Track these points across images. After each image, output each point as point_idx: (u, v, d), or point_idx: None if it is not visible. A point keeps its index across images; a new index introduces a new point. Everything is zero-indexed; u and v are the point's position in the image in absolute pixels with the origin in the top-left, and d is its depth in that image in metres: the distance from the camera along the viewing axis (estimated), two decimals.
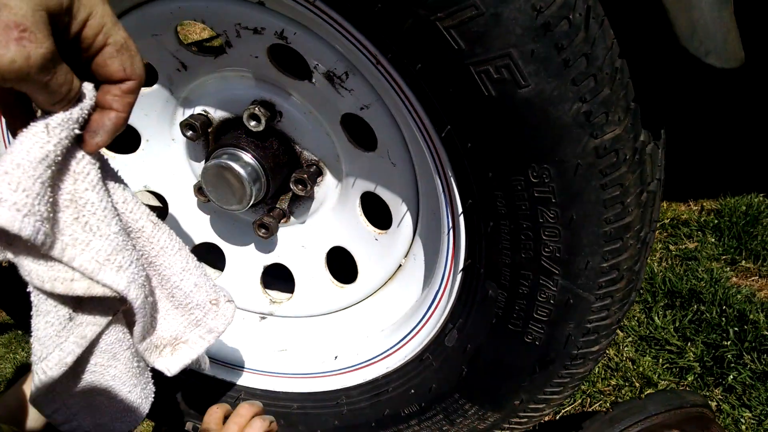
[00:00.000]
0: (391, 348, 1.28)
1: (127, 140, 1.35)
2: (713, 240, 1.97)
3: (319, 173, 1.28)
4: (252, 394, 1.42)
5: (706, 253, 1.92)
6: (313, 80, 1.12)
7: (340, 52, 1.05)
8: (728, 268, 1.85)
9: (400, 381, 1.26)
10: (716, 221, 2.02)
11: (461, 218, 1.02)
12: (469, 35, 0.81)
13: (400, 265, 1.29)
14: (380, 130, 1.12)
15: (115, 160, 1.35)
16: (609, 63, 0.84)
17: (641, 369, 1.63)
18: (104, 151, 1.32)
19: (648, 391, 1.59)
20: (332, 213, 1.33)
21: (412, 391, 1.25)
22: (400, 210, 1.21)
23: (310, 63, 1.09)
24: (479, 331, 1.10)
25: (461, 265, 1.08)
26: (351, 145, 1.19)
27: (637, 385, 1.61)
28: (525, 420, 1.22)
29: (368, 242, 1.29)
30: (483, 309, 1.07)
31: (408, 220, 1.21)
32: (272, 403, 1.41)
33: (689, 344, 1.65)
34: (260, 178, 1.23)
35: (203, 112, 1.27)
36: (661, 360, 1.65)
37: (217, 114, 1.27)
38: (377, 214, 1.30)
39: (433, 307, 1.19)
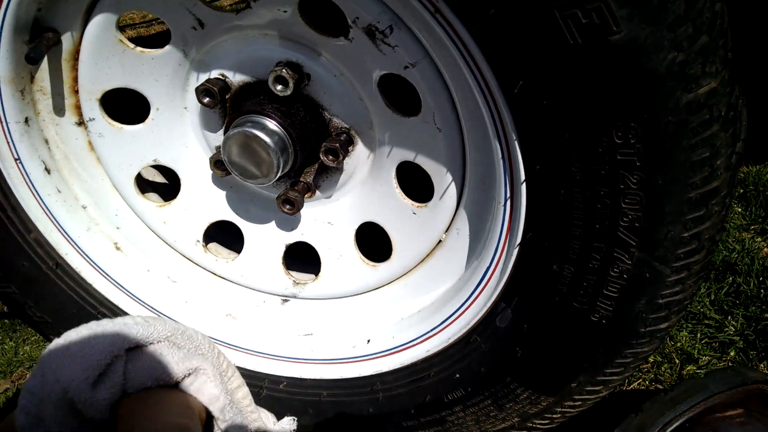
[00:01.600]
0: (431, 330, 1.18)
1: (135, 109, 1.22)
2: (740, 210, 1.90)
3: (350, 142, 1.16)
4: (276, 381, 1.32)
5: (734, 224, 1.85)
6: (350, 36, 1.01)
7: (385, 3, 0.94)
8: (759, 238, 1.79)
9: (444, 365, 1.17)
10: (741, 190, 1.95)
11: (523, 186, 0.92)
12: None
13: (440, 241, 1.19)
14: (426, 92, 1.01)
15: (122, 131, 1.22)
16: (709, 6, 0.74)
17: (680, 344, 1.56)
18: (110, 122, 1.19)
19: (689, 368, 1.53)
20: (363, 186, 1.22)
21: (457, 375, 1.16)
22: (443, 180, 1.10)
23: (349, 16, 0.97)
24: (539, 309, 1.01)
25: (519, 239, 0.98)
26: (389, 109, 1.08)
27: (677, 361, 1.54)
28: (579, 403, 1.14)
29: (404, 217, 1.19)
30: (544, 286, 0.98)
31: (452, 192, 1.11)
32: (299, 391, 1.31)
33: (729, 318, 1.58)
34: (287, 148, 1.12)
35: (221, 77, 1.15)
36: (699, 335, 1.58)
37: (236, 78, 1.15)
38: (413, 185, 1.20)
39: (482, 285, 1.09)
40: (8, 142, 1.16)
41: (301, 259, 1.40)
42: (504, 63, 0.80)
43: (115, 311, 1.31)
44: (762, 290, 1.60)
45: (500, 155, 0.93)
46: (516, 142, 0.88)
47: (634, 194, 0.84)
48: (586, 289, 0.95)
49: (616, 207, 0.86)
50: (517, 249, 0.99)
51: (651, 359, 1.56)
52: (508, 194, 0.97)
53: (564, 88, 0.78)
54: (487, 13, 0.76)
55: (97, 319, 0.85)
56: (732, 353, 1.52)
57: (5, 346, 2.40)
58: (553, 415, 1.16)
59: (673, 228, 0.86)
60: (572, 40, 0.74)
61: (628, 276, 0.92)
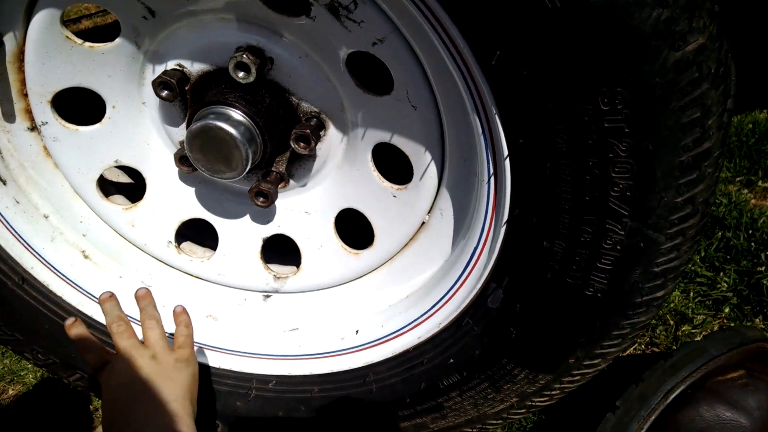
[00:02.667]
0: (421, 316, 1.14)
1: (89, 109, 1.15)
2: (725, 162, 1.88)
3: (322, 126, 1.11)
4: (265, 381, 1.27)
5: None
6: (312, 15, 0.94)
7: None
8: (746, 190, 1.77)
9: (436, 351, 1.13)
10: None
11: (506, 162, 0.87)
12: None
13: (424, 223, 1.14)
14: (397, 69, 0.96)
15: (78, 133, 1.15)
16: None
17: (673, 305, 1.54)
18: (64, 125, 1.12)
19: (684, 328, 1.51)
20: (338, 171, 1.16)
21: (451, 360, 1.12)
22: (422, 160, 1.05)
23: None
24: (531, 288, 0.97)
25: (506, 216, 0.93)
26: (359, 89, 1.02)
27: (672, 323, 1.52)
28: (578, 378, 1.11)
29: (384, 200, 1.14)
30: (535, 263, 0.94)
31: (432, 171, 1.06)
32: (289, 388, 1.27)
33: (720, 274, 1.56)
34: (255, 138, 1.06)
35: (178, 67, 1.08)
36: (692, 293, 1.56)
37: (194, 67, 1.08)
38: (392, 167, 1.15)
39: (470, 267, 1.05)
40: None
41: (280, 252, 1.34)
42: (479, 32, 0.74)
43: (89, 323, 1.25)
44: (752, 243, 1.58)
45: (480, 131, 0.88)
46: (496, 116, 0.82)
47: (623, 162, 0.79)
48: (579, 264, 0.91)
49: (605, 177, 0.81)
50: (504, 227, 0.95)
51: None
52: (491, 171, 0.92)
53: (544, 55, 0.73)
54: None
55: None
56: (726, 310, 1.50)
57: None
58: (552, 392, 1.13)
59: (665, 194, 0.82)
60: (550, 4, 0.68)
61: (622, 247, 0.88)
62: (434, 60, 0.89)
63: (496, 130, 0.85)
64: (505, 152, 0.86)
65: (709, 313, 1.52)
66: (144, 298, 1.13)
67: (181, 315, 1.16)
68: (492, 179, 0.93)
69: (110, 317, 1.08)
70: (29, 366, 1.85)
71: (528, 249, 0.94)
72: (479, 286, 1.03)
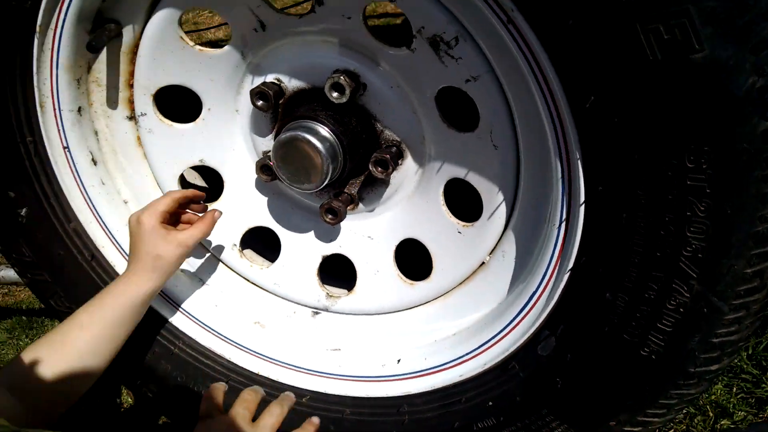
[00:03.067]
0: (466, 354, 1.15)
1: (187, 107, 1.22)
2: None
3: (400, 155, 1.15)
4: (300, 395, 1.28)
5: None
6: (413, 47, 1.00)
7: (453, 13, 0.93)
8: None
9: (477, 391, 1.13)
10: None
11: (582, 208, 0.89)
12: None
13: (484, 263, 1.16)
14: (485, 107, 1.00)
15: (172, 129, 1.22)
16: None
17: (714, 398, 1.50)
18: (161, 119, 1.20)
19: (723, 422, 1.47)
20: (408, 201, 1.20)
21: (491, 403, 1.12)
22: (494, 200, 1.08)
23: (414, 25, 0.97)
24: (585, 339, 0.97)
25: (571, 264, 0.95)
26: (443, 124, 1.07)
27: (711, 414, 1.48)
28: None
29: (449, 235, 1.17)
30: (594, 315, 0.95)
31: (501, 212, 1.09)
32: (322, 406, 1.27)
33: (767, 374, 1.52)
34: (338, 156, 1.11)
35: (276, 81, 1.15)
36: (735, 389, 1.52)
37: (291, 83, 1.15)
38: (460, 203, 1.18)
39: (525, 311, 1.06)
40: (59, 130, 1.17)
41: (333, 272, 1.37)
42: (577, 77, 0.78)
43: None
44: None
45: (560, 175, 0.91)
46: (579, 161, 0.85)
47: (700, 223, 0.81)
48: (639, 321, 0.92)
49: (680, 235, 0.83)
50: (568, 274, 0.96)
51: (684, 410, 1.50)
52: (564, 216, 0.94)
53: (638, 105, 0.76)
54: (566, 23, 0.75)
55: None
56: None
57: (20, 342, 2.39)
58: None
59: (736, 262, 0.83)
60: (651, 56, 0.72)
61: (685, 310, 0.88)
62: (524, 101, 0.94)
63: (576, 175, 0.87)
64: (582, 198, 0.88)
65: (752, 411, 1.47)
66: (288, 399, 1.17)
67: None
68: (563, 224, 0.95)
69: (247, 394, 1.12)
70: None
71: (589, 299, 0.95)
72: (532, 331, 1.04)
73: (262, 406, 1.13)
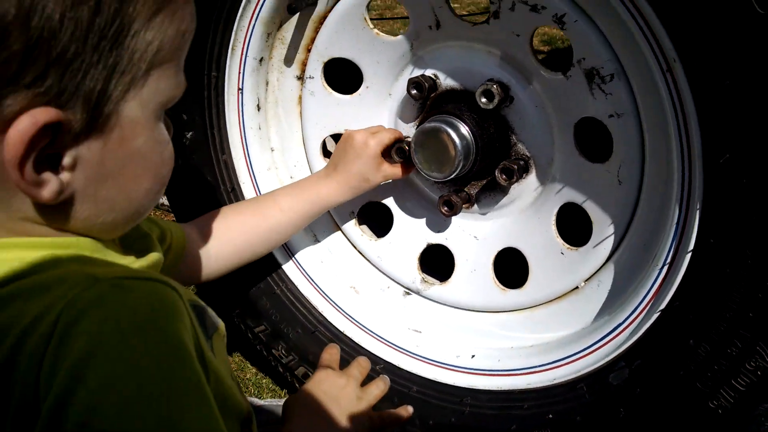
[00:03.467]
0: (539, 366, 1.22)
1: (348, 80, 1.37)
2: None
3: (526, 170, 1.24)
4: (374, 361, 1.39)
5: None
6: (569, 74, 1.09)
7: (615, 52, 1.02)
8: None
9: (540, 402, 1.20)
10: None
11: (688, 255, 0.96)
12: None
13: (578, 287, 1.23)
14: (621, 144, 1.08)
15: (330, 96, 1.37)
16: None
17: None
18: (324, 85, 1.34)
19: None
20: (521, 213, 1.29)
21: (550, 416, 1.18)
22: (604, 231, 1.15)
23: (576, 55, 1.06)
24: (658, 378, 1.03)
25: (664, 305, 1.01)
26: (576, 151, 1.15)
27: None
28: None
29: (551, 254, 1.25)
30: (674, 358, 1.00)
31: (608, 244, 1.16)
32: (392, 378, 1.37)
33: None
34: (470, 155, 1.21)
35: (433, 76, 1.27)
36: None
37: (446, 81, 1.26)
38: (569, 226, 1.25)
39: (606, 340, 1.12)
40: (240, 73, 1.34)
41: (431, 261, 1.47)
42: (717, 134, 0.85)
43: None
44: None
45: (675, 220, 0.98)
46: (698, 211, 0.92)
47: None
48: (715, 374, 0.97)
49: None
50: (657, 314, 1.02)
51: None
52: (669, 260, 1.00)
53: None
54: (721, 83, 0.82)
55: None
56: None
57: None
58: None
59: None
60: None
61: (762, 374, 0.93)
62: (659, 146, 1.01)
63: (691, 224, 0.94)
64: (691, 246, 0.95)
65: None
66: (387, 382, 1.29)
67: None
68: (666, 267, 1.01)
69: (363, 361, 1.27)
70: None
71: (672, 342, 1.00)
72: (608, 359, 1.10)
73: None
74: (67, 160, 0.61)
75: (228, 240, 1.20)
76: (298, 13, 1.28)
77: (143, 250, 0.79)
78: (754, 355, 0.92)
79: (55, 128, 0.58)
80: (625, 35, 0.96)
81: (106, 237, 0.71)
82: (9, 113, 0.56)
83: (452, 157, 1.20)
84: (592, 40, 1.03)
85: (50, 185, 0.61)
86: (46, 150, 0.59)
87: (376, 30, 1.28)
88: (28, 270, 0.61)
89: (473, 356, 1.33)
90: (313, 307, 1.45)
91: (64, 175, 0.62)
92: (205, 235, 1.17)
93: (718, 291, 0.93)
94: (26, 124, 0.56)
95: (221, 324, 0.82)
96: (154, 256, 0.79)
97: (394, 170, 1.30)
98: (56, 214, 0.64)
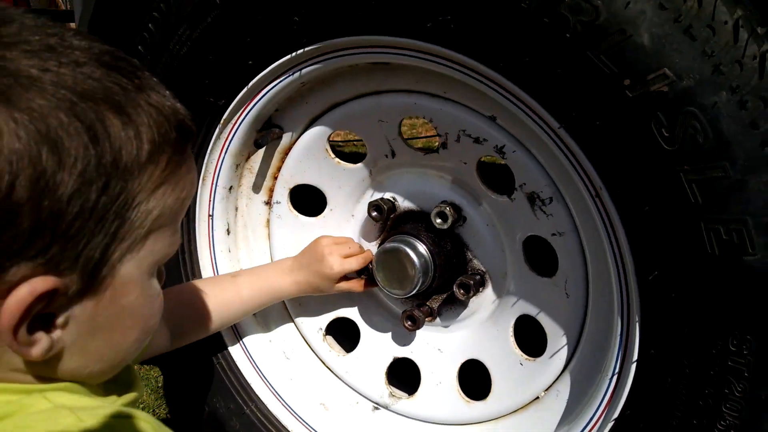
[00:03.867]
0: None
1: (313, 203, 1.45)
2: None
3: (482, 284, 1.31)
4: None
5: None
6: (513, 197, 1.19)
7: (552, 178, 1.12)
8: None
9: None
10: None
11: (633, 366, 1.01)
12: (710, 193, 0.85)
13: (538, 398, 1.27)
14: (565, 260, 1.16)
15: (297, 219, 1.45)
16: None
17: None
18: (290, 209, 1.42)
19: None
20: (480, 326, 1.34)
21: None
22: (558, 342, 1.21)
23: (518, 181, 1.16)
24: None
25: (616, 414, 1.05)
26: (526, 266, 1.23)
27: None
28: None
29: (511, 365, 1.29)
30: None
31: (563, 354, 1.21)
32: None
33: None
34: (429, 272, 1.28)
35: (392, 199, 1.36)
36: None
37: (404, 204, 1.35)
38: (526, 337, 1.31)
39: None
40: (210, 201, 1.42)
41: (398, 374, 1.51)
42: (645, 253, 0.93)
43: (232, 366, 1.47)
44: None
45: (619, 332, 1.04)
46: (637, 324, 0.99)
47: (736, 401, 0.91)
48: None
49: (716, 409, 0.93)
50: (611, 424, 1.06)
51: None
52: (617, 370, 1.06)
53: (694, 288, 0.90)
54: (642, 209, 0.91)
55: None
56: None
57: None
58: None
59: None
60: (711, 250, 0.87)
61: None
62: (599, 263, 1.09)
63: (633, 336, 1.00)
64: (635, 357, 1.00)
65: None
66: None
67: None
68: (615, 377, 1.06)
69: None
70: None
71: None
72: None
73: None
74: (60, 320, 0.64)
75: (186, 316, 1.25)
76: (264, 147, 1.38)
77: (126, 384, 0.81)
78: None
79: (52, 293, 0.61)
80: (558, 164, 1.06)
81: (92, 383, 0.73)
82: (10, 282, 0.58)
83: (411, 275, 1.27)
84: (530, 168, 1.13)
85: (41, 344, 0.62)
86: (40, 312, 0.61)
87: (337, 159, 1.38)
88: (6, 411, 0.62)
89: None
90: (283, 427, 1.46)
91: (56, 333, 0.64)
92: (166, 318, 1.16)
93: (663, 400, 0.98)
94: (25, 293, 0.59)
95: None
96: (132, 396, 0.80)
97: (349, 286, 1.37)
98: (45, 366, 0.66)
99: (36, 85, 0.57)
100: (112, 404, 0.74)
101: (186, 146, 0.70)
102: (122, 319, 0.69)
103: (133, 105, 0.63)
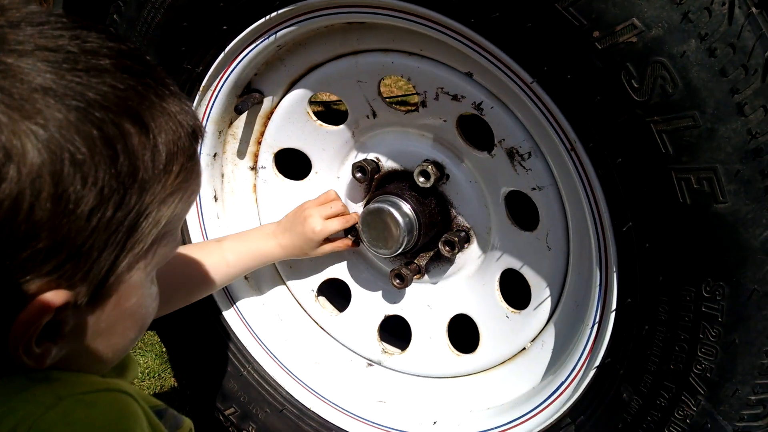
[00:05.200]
0: (496, 427, 1.27)
1: (298, 167, 1.46)
2: None
3: (467, 240, 1.33)
4: None
5: None
6: (493, 153, 1.19)
7: (529, 132, 1.12)
8: None
9: None
10: None
11: (612, 315, 1.03)
12: (680, 143, 0.85)
13: (525, 348, 1.29)
14: (545, 214, 1.17)
15: (283, 183, 1.46)
16: None
17: None
18: (276, 173, 1.43)
19: None
20: (467, 281, 1.36)
21: None
22: (541, 294, 1.23)
23: (497, 137, 1.16)
24: None
25: (598, 362, 1.08)
26: (508, 221, 1.24)
27: None
28: None
29: (497, 318, 1.32)
30: (611, 411, 1.07)
31: (547, 305, 1.23)
32: None
33: None
34: (414, 231, 1.29)
35: (375, 159, 1.37)
36: None
37: (387, 164, 1.36)
38: (512, 291, 1.33)
39: (552, 398, 1.18)
40: None
41: (390, 331, 1.54)
42: (619, 204, 0.95)
43: (225, 329, 1.50)
44: None
45: (598, 282, 1.06)
46: (615, 274, 1.00)
47: (710, 346, 0.93)
48: (649, 424, 1.03)
49: (692, 353, 0.95)
50: (593, 371, 1.09)
51: None
52: (597, 319, 1.08)
53: (667, 237, 0.91)
54: (615, 161, 0.92)
55: None
56: None
57: None
58: None
59: (741, 388, 0.94)
60: (682, 199, 0.88)
61: (691, 422, 0.99)
62: (577, 216, 1.10)
63: (611, 286, 1.02)
64: (614, 306, 1.02)
65: None
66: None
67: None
68: (596, 326, 1.09)
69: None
70: None
71: (608, 397, 1.07)
72: (555, 417, 1.16)
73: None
74: (66, 329, 0.62)
75: (174, 283, 1.22)
76: (245, 113, 1.38)
77: (120, 368, 0.80)
78: (681, 404, 0.99)
79: (63, 307, 0.59)
80: (534, 119, 1.06)
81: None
82: (22, 298, 0.57)
83: (396, 234, 1.28)
84: (508, 124, 1.13)
85: (48, 354, 0.62)
86: (48, 324, 0.60)
87: (319, 122, 1.38)
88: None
89: (435, 423, 1.37)
90: (280, 386, 1.49)
91: (60, 343, 0.63)
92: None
93: (640, 347, 1.00)
94: (37, 308, 0.58)
95: (185, 421, 0.86)
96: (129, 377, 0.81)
97: (333, 246, 1.39)
98: (45, 368, 0.65)
99: (54, 96, 0.55)
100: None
101: (197, 152, 0.69)
102: (123, 322, 0.69)
103: (152, 114, 0.61)
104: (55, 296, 0.58)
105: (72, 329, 0.63)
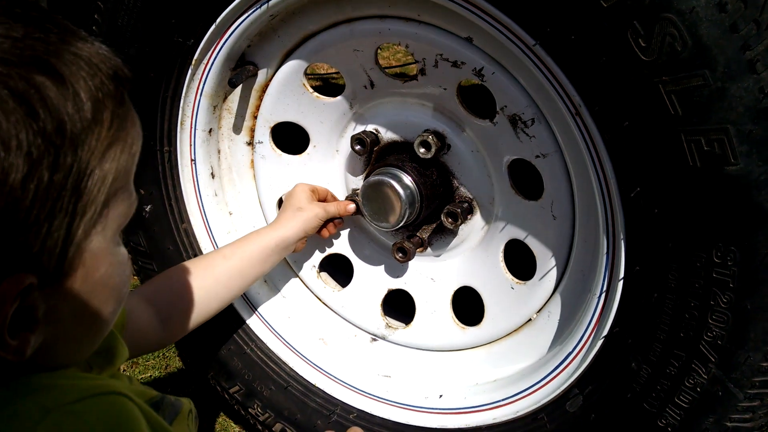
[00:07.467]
0: (502, 400, 1.26)
1: (296, 141, 1.43)
2: None
3: (470, 211, 1.30)
4: (348, 411, 1.42)
5: None
6: (495, 121, 1.16)
7: (532, 98, 1.09)
8: None
9: None
10: None
11: (620, 283, 1.01)
12: (690, 103, 0.82)
13: (531, 319, 1.28)
14: (550, 182, 1.14)
15: (281, 158, 1.43)
16: None
17: None
18: (273, 148, 1.40)
19: None
20: (471, 253, 1.34)
21: None
22: (546, 264, 1.21)
23: (498, 104, 1.13)
24: (609, 403, 1.07)
25: (605, 331, 1.06)
26: (512, 190, 1.21)
27: None
28: None
29: (502, 290, 1.30)
30: (620, 381, 1.05)
31: (552, 275, 1.21)
32: (366, 425, 1.40)
33: None
34: (415, 203, 1.27)
35: (374, 131, 1.33)
36: None
37: (387, 135, 1.33)
38: (516, 261, 1.31)
39: (560, 369, 1.17)
40: (191, 145, 1.39)
41: (394, 305, 1.52)
42: (627, 170, 0.91)
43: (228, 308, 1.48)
44: None
45: (605, 251, 1.03)
46: (623, 241, 0.98)
47: (722, 313, 0.91)
48: (659, 393, 1.01)
49: (702, 321, 0.93)
50: (601, 341, 1.07)
51: None
52: (605, 288, 1.06)
53: (676, 202, 0.88)
54: (621, 125, 0.88)
55: None
56: None
57: None
58: None
59: (753, 355, 0.92)
60: (692, 163, 0.85)
61: (702, 390, 0.97)
62: (583, 183, 1.07)
63: (619, 254, 0.99)
64: (622, 274, 1.00)
65: None
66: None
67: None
68: (603, 295, 1.06)
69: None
70: None
71: (616, 366, 1.05)
72: (563, 388, 1.15)
73: None
74: (39, 313, 0.58)
75: (174, 302, 1.18)
76: (240, 86, 1.35)
77: (107, 352, 0.77)
78: (691, 373, 0.97)
79: (25, 291, 0.55)
80: (537, 84, 1.02)
81: (73, 363, 0.70)
82: None
83: (398, 207, 1.25)
84: (510, 90, 1.10)
85: (26, 345, 0.58)
86: (16, 312, 0.56)
87: (315, 94, 1.34)
88: None
89: (441, 396, 1.36)
90: (284, 363, 1.48)
91: (38, 330, 0.59)
92: (150, 303, 1.14)
93: (650, 315, 0.98)
94: None
95: (184, 405, 0.84)
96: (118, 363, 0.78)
97: (328, 206, 1.36)
98: (26, 368, 0.62)
99: None
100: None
101: (125, 96, 0.62)
102: (97, 294, 0.64)
103: (63, 61, 0.55)
104: (14, 282, 0.54)
105: (46, 313, 0.59)
